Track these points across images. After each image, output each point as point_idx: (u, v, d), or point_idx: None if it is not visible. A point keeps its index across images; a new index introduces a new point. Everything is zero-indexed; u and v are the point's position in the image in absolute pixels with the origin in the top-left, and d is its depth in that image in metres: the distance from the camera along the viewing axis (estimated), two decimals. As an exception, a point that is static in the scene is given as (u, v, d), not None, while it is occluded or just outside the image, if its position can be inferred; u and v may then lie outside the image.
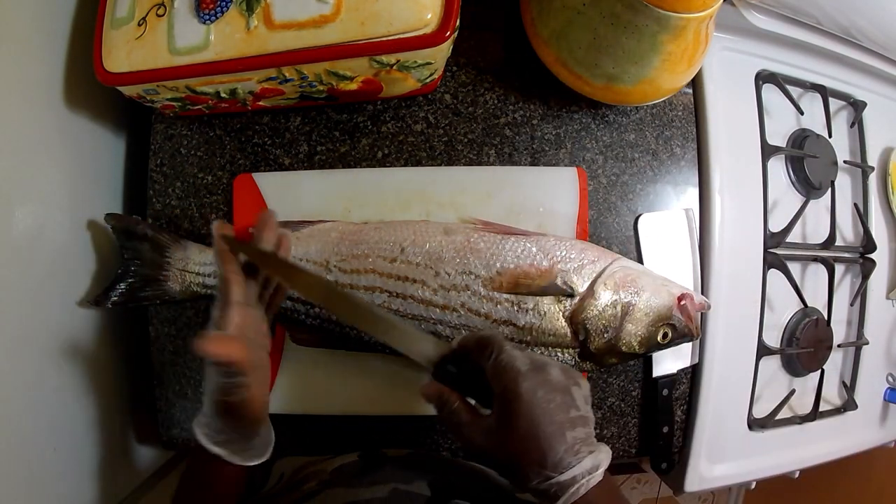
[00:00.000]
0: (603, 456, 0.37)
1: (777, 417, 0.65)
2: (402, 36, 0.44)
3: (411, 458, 0.50)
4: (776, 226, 0.65)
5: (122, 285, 0.53)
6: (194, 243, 0.54)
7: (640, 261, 0.59)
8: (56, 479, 0.51)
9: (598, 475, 0.35)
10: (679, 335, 0.51)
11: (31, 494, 0.48)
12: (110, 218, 0.53)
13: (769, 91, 0.67)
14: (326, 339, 0.53)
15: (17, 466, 0.46)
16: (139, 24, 0.46)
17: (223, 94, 0.50)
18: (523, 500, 0.46)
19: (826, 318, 0.68)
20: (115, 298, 0.52)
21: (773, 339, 0.66)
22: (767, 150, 0.65)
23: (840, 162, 0.70)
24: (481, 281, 0.49)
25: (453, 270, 0.49)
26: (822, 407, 0.68)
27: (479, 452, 0.38)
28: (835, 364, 0.72)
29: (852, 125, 0.73)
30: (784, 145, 0.68)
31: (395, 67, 0.48)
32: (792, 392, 0.67)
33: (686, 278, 0.59)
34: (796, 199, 0.68)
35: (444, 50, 0.48)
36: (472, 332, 0.42)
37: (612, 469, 0.40)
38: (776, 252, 0.64)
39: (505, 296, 0.49)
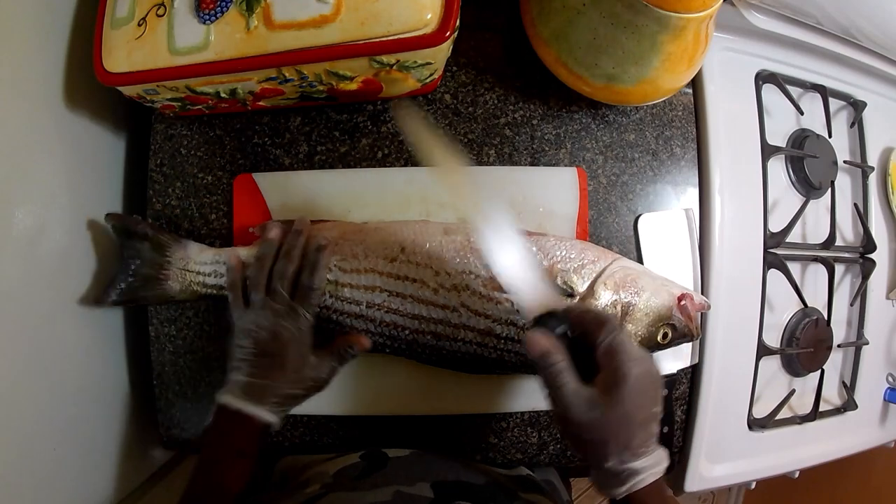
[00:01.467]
0: (664, 455, 0.39)
1: (777, 417, 0.65)
2: (401, 36, 0.44)
3: (413, 459, 0.50)
4: (776, 226, 0.65)
5: (123, 284, 0.53)
6: (195, 242, 0.54)
7: (640, 261, 0.59)
8: (56, 480, 0.51)
9: (660, 471, 0.38)
10: (679, 335, 0.51)
11: (31, 494, 0.48)
12: (111, 217, 0.53)
13: (769, 91, 0.67)
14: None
15: (17, 466, 0.46)
16: (139, 24, 0.46)
17: (223, 94, 0.50)
18: (527, 500, 0.46)
19: (826, 318, 0.68)
20: (116, 297, 0.52)
21: (773, 339, 0.66)
22: (767, 150, 0.65)
23: (840, 162, 0.70)
24: (481, 281, 0.49)
25: (453, 270, 0.49)
26: (822, 407, 0.68)
27: (571, 421, 0.38)
28: (835, 364, 0.72)
29: (852, 125, 0.73)
30: (784, 145, 0.68)
31: (395, 67, 0.48)
32: (792, 392, 0.67)
33: (686, 278, 0.59)
34: (796, 199, 0.68)
35: (444, 50, 0.48)
36: (587, 307, 0.43)
37: None
38: (776, 252, 0.64)
39: (505, 296, 0.49)
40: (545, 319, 0.40)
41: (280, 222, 0.52)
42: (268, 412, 0.45)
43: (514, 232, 0.43)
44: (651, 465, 0.38)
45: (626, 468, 0.37)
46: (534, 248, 0.50)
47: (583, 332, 0.40)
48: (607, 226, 0.59)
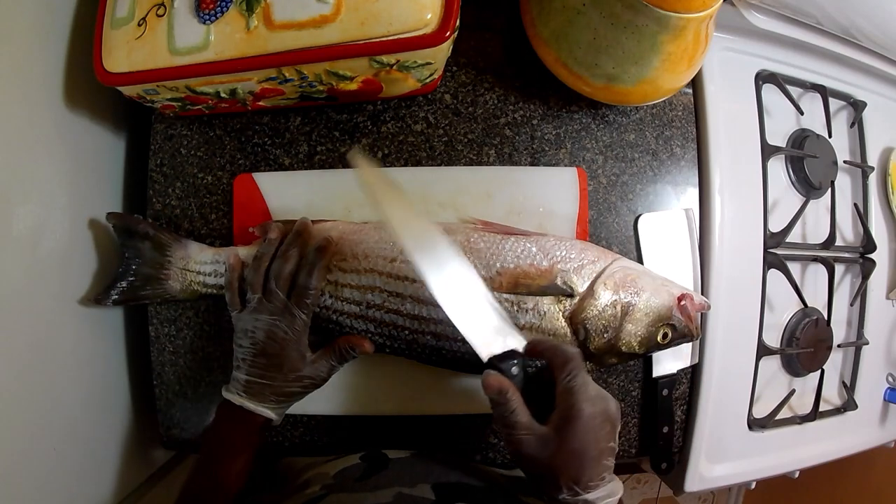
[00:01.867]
0: (618, 486, 0.41)
1: (777, 417, 0.65)
2: (401, 36, 0.44)
3: (413, 460, 0.50)
4: (776, 226, 0.65)
5: (124, 283, 0.53)
6: (195, 242, 0.54)
7: (640, 261, 0.59)
8: (56, 479, 0.51)
9: (613, 502, 0.40)
10: (679, 335, 0.51)
11: (31, 494, 0.48)
12: (112, 217, 0.53)
13: (769, 91, 0.67)
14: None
15: (18, 466, 0.46)
16: (139, 24, 0.46)
17: (223, 94, 0.50)
18: (525, 500, 0.46)
19: (826, 318, 0.68)
20: (117, 297, 0.53)
21: (773, 339, 0.66)
22: (767, 150, 0.65)
23: (840, 162, 0.70)
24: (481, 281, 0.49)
25: (453, 270, 0.49)
26: (822, 407, 0.68)
27: (523, 456, 0.40)
28: (835, 364, 0.72)
29: (852, 125, 0.73)
30: (784, 145, 0.68)
31: (395, 67, 0.48)
32: (792, 392, 0.67)
33: (686, 278, 0.59)
34: (796, 199, 0.68)
35: (444, 50, 0.48)
36: (551, 342, 0.44)
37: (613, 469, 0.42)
38: (776, 252, 0.64)
39: (505, 296, 0.49)
40: (503, 357, 0.42)
41: (280, 222, 0.52)
42: (268, 408, 0.47)
43: (464, 272, 0.44)
44: (603, 496, 0.39)
45: (578, 500, 0.39)
46: (534, 249, 0.50)
47: (547, 366, 0.42)
48: (607, 226, 0.59)
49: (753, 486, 0.69)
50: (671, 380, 0.60)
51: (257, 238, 0.52)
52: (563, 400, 0.40)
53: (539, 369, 0.44)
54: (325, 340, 0.53)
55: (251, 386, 0.47)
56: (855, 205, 0.71)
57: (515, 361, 0.42)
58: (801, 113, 0.69)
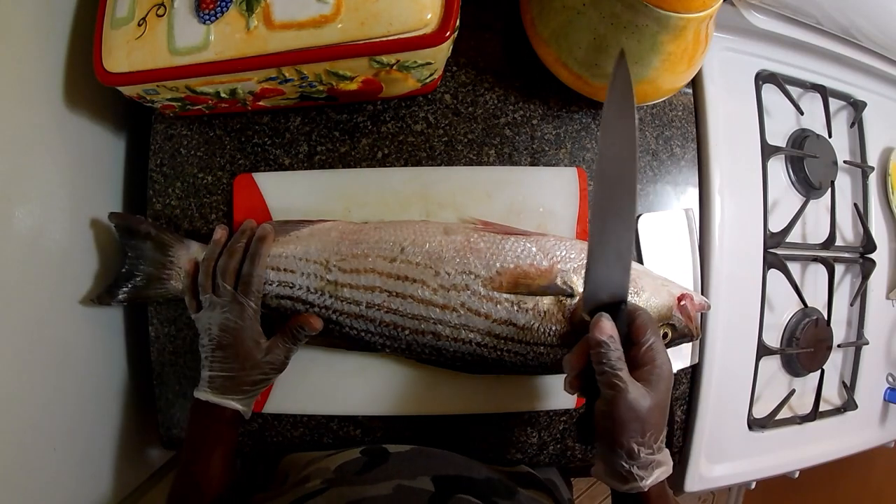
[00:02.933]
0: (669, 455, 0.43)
1: (777, 417, 0.65)
2: (401, 36, 0.44)
3: (413, 454, 0.50)
4: (776, 226, 0.65)
5: (127, 284, 0.53)
6: (196, 242, 0.54)
7: (640, 261, 0.59)
8: (56, 479, 0.51)
9: (670, 468, 0.42)
10: (679, 335, 0.51)
11: (31, 494, 0.48)
12: (114, 217, 0.53)
13: (769, 91, 0.67)
14: (327, 339, 0.53)
15: (17, 466, 0.46)
16: (139, 25, 0.46)
17: (223, 94, 0.50)
18: (527, 495, 0.46)
19: (826, 318, 0.68)
20: (121, 296, 0.53)
21: (773, 339, 0.66)
22: (767, 150, 0.65)
23: (840, 162, 0.70)
24: (481, 281, 0.49)
25: (453, 270, 0.49)
26: (822, 407, 0.68)
27: (620, 404, 0.40)
28: (835, 364, 0.72)
29: (852, 125, 0.73)
30: (784, 145, 0.68)
31: (395, 67, 0.48)
32: (792, 392, 0.67)
33: (686, 278, 0.59)
34: (796, 199, 0.68)
35: (444, 50, 0.48)
36: (639, 307, 0.45)
37: None
38: (776, 252, 0.64)
39: (505, 296, 0.49)
40: (606, 309, 0.43)
41: (225, 225, 0.54)
42: (234, 400, 0.49)
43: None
44: (667, 459, 0.42)
45: (656, 458, 0.40)
46: (534, 249, 0.50)
47: (628, 329, 0.43)
48: (607, 226, 0.59)
49: (753, 486, 0.69)
50: (671, 380, 0.60)
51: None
52: (649, 357, 0.41)
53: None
54: (324, 339, 0.54)
55: (214, 381, 0.49)
56: (855, 205, 0.71)
57: (617, 316, 0.43)
58: (801, 113, 0.69)
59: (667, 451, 0.42)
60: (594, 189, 0.47)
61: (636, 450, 0.40)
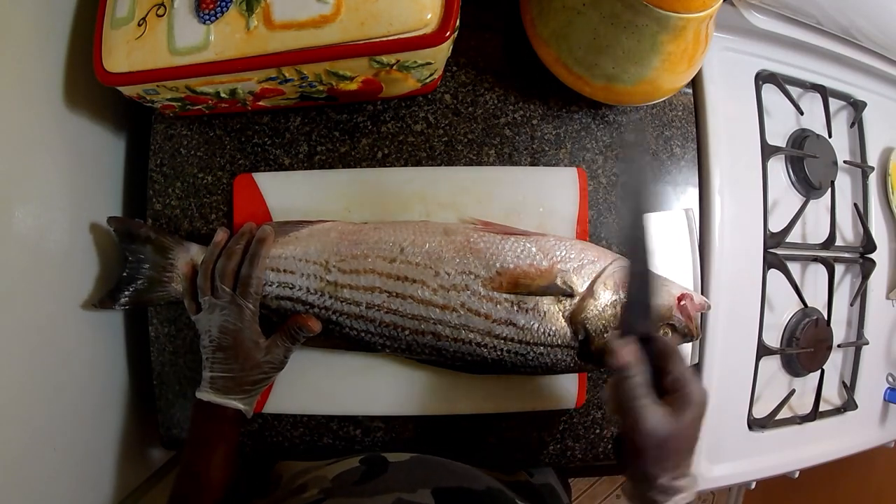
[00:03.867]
0: (696, 480, 0.42)
1: (777, 417, 0.65)
2: (401, 36, 0.44)
3: (413, 464, 0.50)
4: (776, 226, 0.65)
5: (129, 288, 0.53)
6: (196, 244, 0.54)
7: (640, 261, 0.59)
8: (56, 479, 0.51)
9: (692, 495, 0.41)
10: (679, 335, 0.51)
11: (31, 494, 0.48)
12: (113, 221, 0.53)
13: (769, 91, 0.67)
14: (327, 339, 0.53)
15: (18, 467, 0.46)
16: (139, 25, 0.46)
17: (223, 94, 0.50)
18: None
19: (826, 318, 0.68)
20: (122, 301, 0.53)
21: (773, 339, 0.66)
22: (767, 150, 0.65)
23: (840, 162, 0.70)
24: (481, 281, 0.49)
25: (453, 270, 0.49)
26: (822, 407, 0.68)
27: (641, 430, 0.40)
28: (835, 364, 0.72)
29: (852, 125, 0.73)
30: (784, 145, 0.68)
31: (395, 67, 0.48)
32: (792, 392, 0.67)
33: (686, 278, 0.59)
34: (796, 199, 0.68)
35: (444, 50, 0.48)
36: (666, 340, 0.45)
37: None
38: (776, 252, 0.64)
39: (505, 296, 0.49)
40: (632, 334, 0.43)
41: (226, 228, 0.54)
42: (235, 400, 0.49)
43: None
44: (690, 485, 0.41)
45: (675, 485, 0.40)
46: (534, 249, 0.50)
47: (656, 358, 0.43)
48: (607, 226, 0.59)
49: (753, 486, 0.69)
50: (671, 380, 0.60)
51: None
52: (679, 384, 0.41)
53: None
54: (324, 340, 0.54)
55: (216, 381, 0.49)
56: (855, 205, 0.71)
57: (644, 343, 0.43)
58: (801, 113, 0.69)
59: (692, 476, 0.42)
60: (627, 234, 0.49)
61: (654, 475, 0.40)
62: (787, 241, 0.65)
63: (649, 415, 0.40)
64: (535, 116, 0.59)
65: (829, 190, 0.68)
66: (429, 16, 0.44)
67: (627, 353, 0.41)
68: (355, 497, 0.43)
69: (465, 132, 0.58)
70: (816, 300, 0.68)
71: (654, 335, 0.44)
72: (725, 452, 0.63)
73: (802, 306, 0.67)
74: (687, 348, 0.60)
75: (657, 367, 0.42)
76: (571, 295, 0.49)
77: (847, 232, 0.72)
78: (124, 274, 0.53)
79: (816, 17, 0.61)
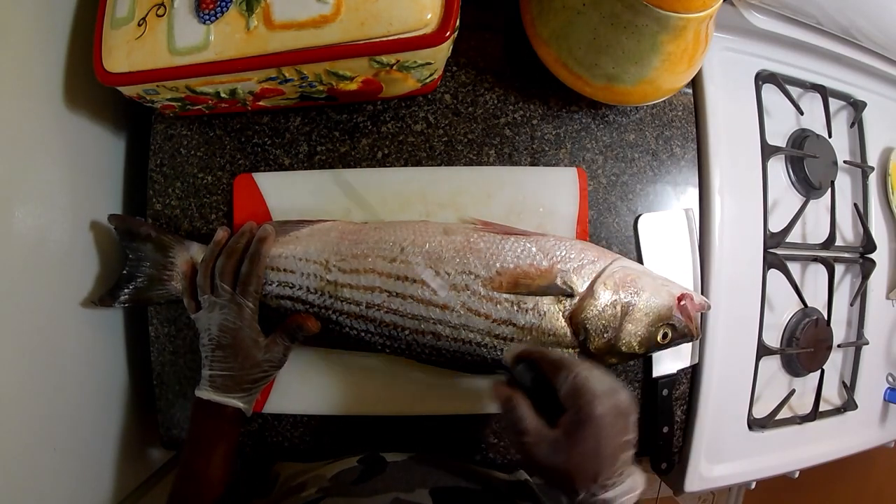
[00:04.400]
0: (639, 479, 0.39)
1: (777, 417, 0.65)
2: (401, 36, 0.44)
3: (411, 464, 0.50)
4: (776, 226, 0.65)
5: (129, 286, 0.53)
6: (196, 243, 0.54)
7: (640, 261, 0.59)
8: (56, 480, 0.51)
9: (633, 497, 0.38)
10: (679, 335, 0.51)
11: (32, 494, 0.48)
12: (114, 219, 0.54)
13: (769, 91, 0.67)
14: (327, 339, 0.53)
15: (17, 467, 0.46)
16: (139, 24, 0.46)
17: (223, 94, 0.50)
18: None
19: (826, 318, 0.68)
20: (122, 299, 0.53)
21: (773, 339, 0.66)
22: (767, 150, 0.65)
23: (840, 162, 0.70)
24: (481, 281, 0.49)
25: (453, 270, 0.49)
26: (822, 407, 0.68)
27: (535, 463, 0.40)
28: (835, 364, 0.72)
29: (852, 125, 0.73)
30: (784, 145, 0.68)
31: (394, 67, 0.48)
32: (792, 392, 0.67)
33: (686, 278, 0.59)
34: (796, 199, 0.68)
35: (444, 50, 0.48)
36: (543, 349, 0.44)
37: None
38: (776, 252, 0.64)
39: (505, 296, 0.49)
40: (517, 365, 0.44)
41: (226, 226, 0.54)
42: (235, 398, 0.49)
43: None
44: (623, 492, 0.38)
45: (596, 500, 0.38)
46: (534, 249, 0.50)
47: (546, 375, 0.41)
48: (607, 226, 0.59)
49: (753, 486, 0.69)
50: (671, 380, 0.60)
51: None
52: (569, 402, 0.39)
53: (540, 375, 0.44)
54: (324, 339, 0.54)
55: (215, 379, 0.49)
56: (855, 205, 0.71)
57: (524, 365, 0.43)
58: (801, 113, 0.69)
59: (630, 478, 0.39)
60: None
61: (578, 497, 0.38)
62: (787, 241, 0.65)
63: (537, 446, 0.39)
64: (535, 116, 0.59)
65: (829, 190, 0.68)
66: (429, 16, 0.44)
67: (499, 391, 0.42)
68: (353, 497, 0.43)
69: (465, 132, 0.58)
70: (816, 300, 0.68)
71: (532, 353, 0.43)
72: (725, 452, 0.63)
73: (802, 306, 0.67)
74: (687, 348, 0.60)
75: (549, 384, 0.41)
76: (571, 295, 0.49)
77: (847, 232, 0.72)
78: (124, 272, 0.53)
79: (816, 17, 0.61)
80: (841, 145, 0.71)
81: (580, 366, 0.40)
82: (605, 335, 0.49)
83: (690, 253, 0.60)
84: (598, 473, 0.38)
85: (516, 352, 0.45)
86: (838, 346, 0.70)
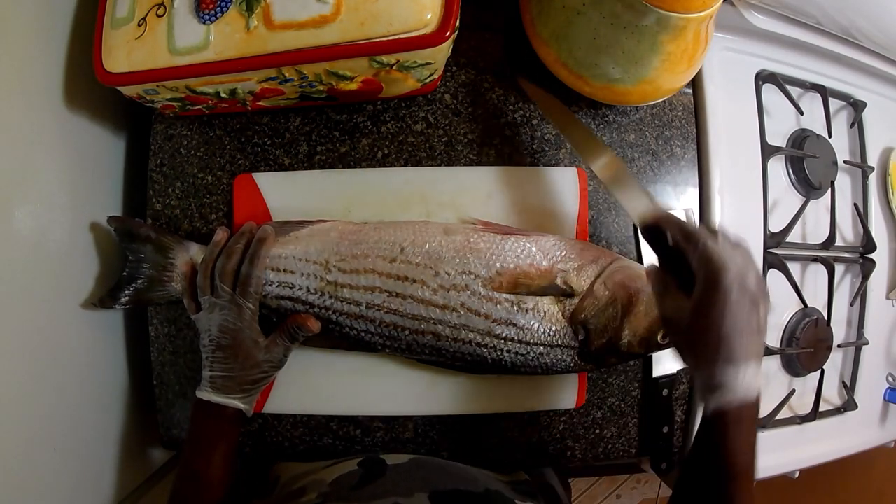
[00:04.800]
0: (756, 382, 0.38)
1: (777, 417, 0.65)
2: (401, 36, 0.44)
3: (411, 467, 0.50)
4: (776, 226, 0.65)
5: (129, 287, 0.53)
6: (196, 244, 0.54)
7: (640, 261, 0.59)
8: (56, 480, 0.51)
9: (755, 390, 0.38)
10: (679, 335, 0.51)
11: (32, 495, 0.48)
12: (113, 220, 0.53)
13: (769, 91, 0.67)
14: (327, 339, 0.53)
15: (17, 467, 0.46)
16: (139, 25, 0.46)
17: (223, 94, 0.50)
18: None
19: (826, 318, 0.68)
20: (123, 300, 0.53)
21: (773, 340, 0.66)
22: (767, 150, 0.65)
23: (840, 162, 0.70)
24: (481, 281, 0.49)
25: (453, 270, 0.49)
26: (822, 407, 0.68)
27: (676, 328, 0.41)
28: (835, 364, 0.72)
29: (852, 125, 0.73)
30: (784, 145, 0.68)
31: (394, 67, 0.48)
32: (792, 392, 0.67)
33: (686, 278, 0.59)
34: (796, 199, 0.68)
35: (444, 50, 0.48)
36: (678, 223, 0.43)
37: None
38: (776, 252, 0.64)
39: (505, 296, 0.49)
40: (651, 232, 0.45)
41: (226, 227, 0.54)
42: (235, 399, 0.49)
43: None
44: (746, 382, 0.37)
45: (716, 382, 0.37)
46: (533, 249, 0.50)
47: (680, 245, 0.42)
48: (607, 226, 0.59)
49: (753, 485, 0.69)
50: (671, 380, 0.60)
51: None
52: (699, 269, 0.39)
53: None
54: (325, 339, 0.54)
55: (215, 380, 0.49)
56: (855, 205, 0.71)
57: (662, 235, 0.43)
58: (801, 113, 0.69)
59: (748, 371, 0.37)
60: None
61: (693, 370, 0.40)
62: (787, 241, 0.65)
63: (677, 313, 0.40)
64: (535, 116, 0.59)
65: (829, 190, 0.68)
66: (429, 16, 0.44)
67: (648, 273, 0.45)
68: (352, 502, 0.43)
69: (465, 132, 0.58)
70: (816, 300, 0.68)
71: (661, 226, 0.43)
72: (725, 452, 0.63)
73: (802, 306, 0.67)
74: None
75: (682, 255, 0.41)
76: (571, 295, 0.49)
77: (847, 232, 0.72)
78: (125, 273, 0.53)
79: (816, 17, 0.61)
80: (841, 145, 0.71)
81: (709, 238, 0.40)
82: (605, 335, 0.49)
83: (690, 253, 0.60)
84: (720, 350, 0.37)
85: (648, 219, 0.45)
86: (838, 346, 0.70)
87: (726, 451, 0.38)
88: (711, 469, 0.39)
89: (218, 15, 0.44)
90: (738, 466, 0.38)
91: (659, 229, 0.43)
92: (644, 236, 0.46)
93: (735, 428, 0.37)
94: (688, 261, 0.40)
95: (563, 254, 0.50)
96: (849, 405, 0.71)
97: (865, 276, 0.71)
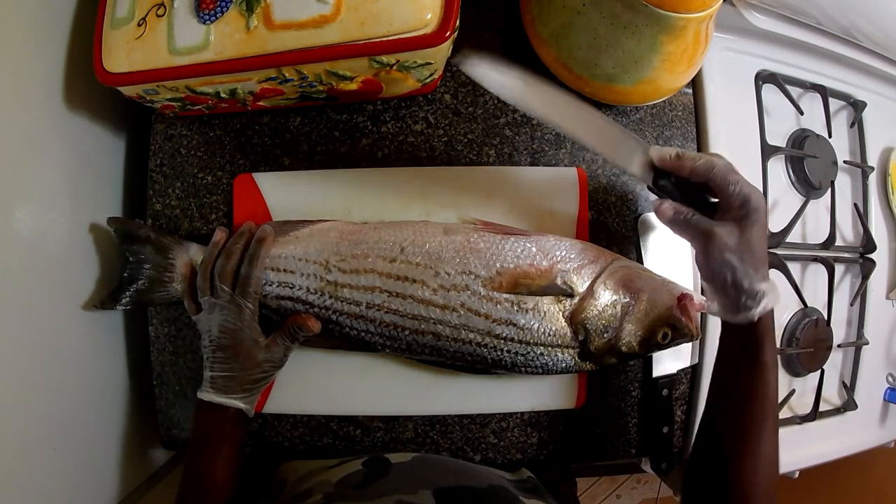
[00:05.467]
0: (776, 291, 0.45)
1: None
2: (401, 36, 0.44)
3: (414, 465, 0.50)
4: (776, 226, 0.65)
5: (130, 288, 0.53)
6: (196, 244, 0.54)
7: (640, 261, 0.59)
8: (56, 480, 0.51)
9: (774, 301, 0.45)
10: (679, 335, 0.51)
11: (32, 495, 0.48)
12: (113, 222, 0.53)
13: (769, 91, 0.67)
14: (327, 339, 0.53)
15: (17, 467, 0.46)
16: (139, 25, 0.46)
17: (223, 95, 0.50)
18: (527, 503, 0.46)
19: (826, 318, 0.68)
20: (124, 301, 0.53)
21: (773, 340, 0.66)
22: (767, 150, 0.65)
23: (840, 162, 0.70)
24: (481, 281, 0.49)
25: (453, 270, 0.49)
26: (822, 407, 0.68)
27: (715, 247, 0.45)
28: (835, 364, 0.72)
29: (852, 125, 0.73)
30: (784, 145, 0.68)
31: (394, 67, 0.48)
32: (792, 392, 0.67)
33: (686, 278, 0.59)
34: (796, 199, 0.68)
35: (444, 50, 0.48)
36: (702, 159, 0.46)
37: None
38: (776, 252, 0.64)
39: (505, 296, 0.49)
40: (657, 179, 0.47)
41: (225, 227, 0.54)
42: (236, 399, 0.49)
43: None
44: (772, 289, 0.45)
45: (758, 289, 0.44)
46: (534, 249, 0.50)
47: (708, 183, 0.46)
48: (607, 226, 0.59)
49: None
50: (671, 380, 0.60)
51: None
52: (730, 196, 0.44)
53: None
54: (325, 339, 0.54)
55: (216, 381, 0.49)
56: (855, 205, 0.72)
57: (668, 177, 0.47)
58: (801, 113, 0.69)
59: (771, 282, 0.45)
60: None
61: (740, 281, 0.44)
62: (787, 240, 0.65)
63: (715, 232, 0.44)
64: (535, 116, 0.58)
65: (829, 190, 0.68)
66: (429, 16, 0.44)
67: (665, 210, 0.47)
68: (357, 501, 0.44)
69: (465, 132, 0.58)
70: (816, 300, 0.68)
71: (677, 160, 0.46)
72: (725, 452, 0.63)
73: (802, 306, 0.67)
74: (687, 348, 0.60)
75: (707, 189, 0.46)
76: (571, 295, 0.49)
77: (847, 232, 0.72)
78: (125, 275, 0.53)
79: (816, 17, 0.61)
80: (841, 145, 0.71)
81: (730, 166, 0.45)
82: (605, 335, 0.49)
83: (690, 253, 0.60)
84: (758, 259, 0.44)
85: (663, 159, 0.47)
86: (838, 346, 0.70)
87: (766, 350, 0.45)
88: (756, 369, 0.46)
89: (218, 15, 0.44)
90: (774, 359, 0.46)
91: (666, 168, 0.47)
92: (654, 178, 0.48)
93: (771, 328, 0.46)
94: (706, 187, 0.45)
95: (563, 254, 0.50)
96: (849, 405, 0.71)
97: (865, 276, 0.71)
